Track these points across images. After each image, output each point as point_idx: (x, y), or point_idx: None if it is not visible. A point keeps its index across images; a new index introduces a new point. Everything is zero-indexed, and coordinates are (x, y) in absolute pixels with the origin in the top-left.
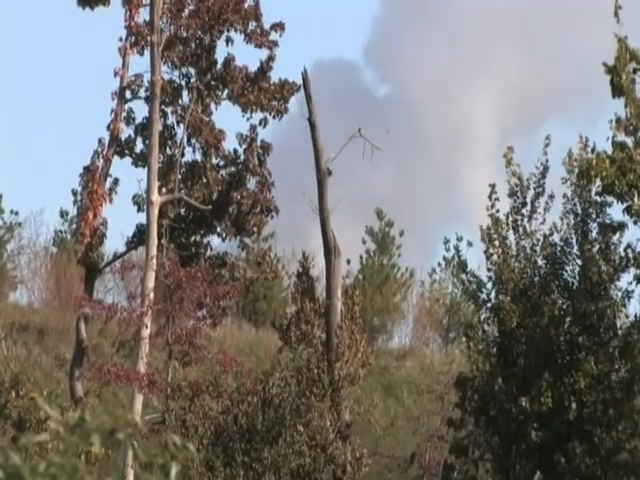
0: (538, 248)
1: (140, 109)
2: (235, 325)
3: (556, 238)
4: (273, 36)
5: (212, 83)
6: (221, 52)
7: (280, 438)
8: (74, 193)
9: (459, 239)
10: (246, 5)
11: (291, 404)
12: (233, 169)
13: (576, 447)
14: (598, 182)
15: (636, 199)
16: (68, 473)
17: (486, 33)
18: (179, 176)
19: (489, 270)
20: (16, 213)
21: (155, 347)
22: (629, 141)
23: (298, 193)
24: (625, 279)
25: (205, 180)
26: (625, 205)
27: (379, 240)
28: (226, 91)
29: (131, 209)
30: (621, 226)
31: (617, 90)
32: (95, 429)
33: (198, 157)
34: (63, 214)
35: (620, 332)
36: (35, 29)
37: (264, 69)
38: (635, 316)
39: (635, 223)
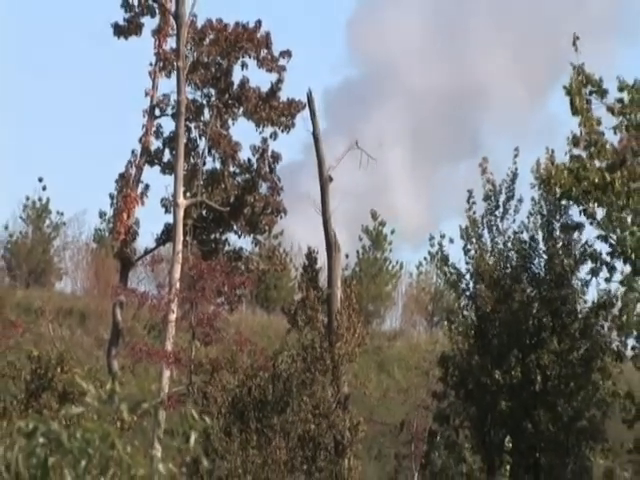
0: (509, 244)
1: (167, 124)
2: (249, 310)
3: (525, 236)
4: (282, 62)
5: (229, 102)
6: (237, 75)
7: (288, 407)
8: (111, 197)
9: (442, 236)
10: (258, 35)
11: (297, 378)
12: (247, 176)
13: (541, 415)
14: (558, 190)
15: (590, 203)
16: (101, 438)
17: None
18: (201, 182)
19: (467, 263)
20: (61, 214)
21: (180, 329)
22: (584, 154)
23: (304, 197)
24: (584, 270)
25: (223, 185)
26: (582, 208)
27: (373, 237)
28: (241, 109)
29: (160, 211)
30: (580, 226)
31: (574, 110)
32: (124, 400)
33: (217, 166)
34: (102, 215)
35: (580, 316)
36: (78, 56)
37: (274, 90)
38: (593, 302)
39: (591, 224)
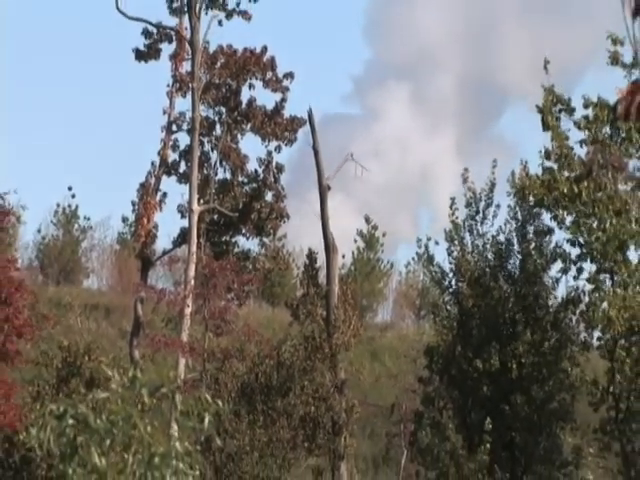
0: (488, 246)
1: (183, 139)
2: (256, 305)
3: (502, 238)
4: (285, 83)
5: (238, 119)
6: (245, 95)
7: (291, 392)
8: (133, 204)
9: (429, 239)
10: (264, 59)
11: (299, 365)
12: (254, 185)
13: (517, 399)
14: (531, 198)
15: (560, 210)
16: (124, 419)
17: None
18: (213, 190)
19: (450, 263)
20: (89, 219)
21: (195, 322)
22: (555, 166)
23: (305, 203)
24: (554, 269)
25: (233, 193)
26: (553, 214)
27: (367, 239)
28: (249, 125)
29: (176, 216)
30: (550, 230)
31: (546, 126)
32: (145, 385)
33: (228, 176)
34: (124, 220)
35: (551, 310)
36: (104, 79)
37: (278, 108)
38: (562, 298)
39: (560, 228)
